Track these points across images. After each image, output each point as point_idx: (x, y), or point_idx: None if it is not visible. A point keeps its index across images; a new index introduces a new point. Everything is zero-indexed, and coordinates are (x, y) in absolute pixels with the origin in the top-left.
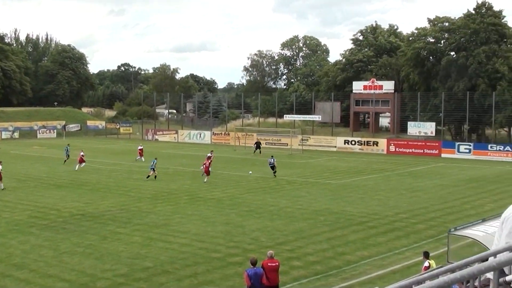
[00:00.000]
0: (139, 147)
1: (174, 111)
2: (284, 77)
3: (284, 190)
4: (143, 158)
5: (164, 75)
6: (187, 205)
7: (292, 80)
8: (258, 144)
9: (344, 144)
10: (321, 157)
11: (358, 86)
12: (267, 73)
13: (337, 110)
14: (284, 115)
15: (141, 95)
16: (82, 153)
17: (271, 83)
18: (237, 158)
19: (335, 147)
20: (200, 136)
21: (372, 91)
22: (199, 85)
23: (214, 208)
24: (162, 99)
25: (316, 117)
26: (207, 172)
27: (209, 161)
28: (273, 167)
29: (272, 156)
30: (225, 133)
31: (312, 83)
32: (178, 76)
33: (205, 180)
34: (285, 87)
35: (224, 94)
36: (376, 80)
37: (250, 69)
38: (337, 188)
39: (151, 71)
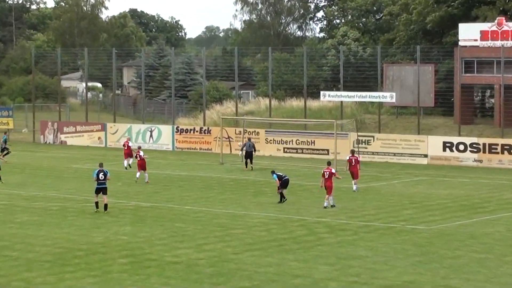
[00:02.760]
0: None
1: (99, 84)
2: (320, 15)
3: (322, 244)
4: (129, 161)
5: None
6: (126, 277)
7: (336, 22)
8: (248, 148)
9: (444, 150)
10: (397, 176)
11: (469, 33)
12: (285, 8)
13: (427, 83)
14: (321, 93)
15: (32, 53)
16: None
17: (294, 28)
18: (227, 180)
19: (426, 156)
20: (150, 135)
21: (498, 43)
22: (148, 33)
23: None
24: (75, 61)
25: (386, 96)
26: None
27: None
28: (284, 184)
29: (273, 171)
30: (202, 129)
31: (376, 29)
32: (105, 15)
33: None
34: (321, 36)
35: (200, 50)
36: (507, 20)
37: (250, 0)
38: (432, 240)
39: (51, 5)
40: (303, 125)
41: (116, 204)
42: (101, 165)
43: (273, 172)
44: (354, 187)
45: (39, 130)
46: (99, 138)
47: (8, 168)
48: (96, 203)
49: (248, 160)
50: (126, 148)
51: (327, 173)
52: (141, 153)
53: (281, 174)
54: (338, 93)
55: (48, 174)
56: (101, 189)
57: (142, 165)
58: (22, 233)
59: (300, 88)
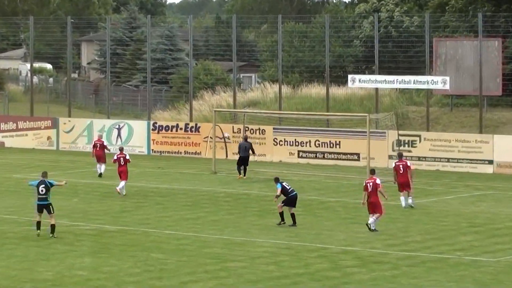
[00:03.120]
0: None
1: (48, 66)
2: None
3: (349, 282)
4: (102, 168)
5: None
6: None
7: None
8: (243, 152)
9: None
10: (452, 190)
11: None
12: None
13: (492, 63)
14: (349, 77)
15: None
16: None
17: None
18: (221, 195)
19: (491, 162)
20: (117, 134)
21: None
22: None
23: None
24: (17, 33)
25: (437, 82)
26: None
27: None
28: (291, 201)
29: (277, 179)
30: (187, 126)
31: None
32: None
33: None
34: (348, 0)
35: (186, 19)
36: None
37: None
38: (499, 277)
39: None
40: (324, 120)
41: (71, 227)
42: (44, 174)
43: (277, 180)
44: (410, 201)
45: None
46: (48, 138)
47: None
48: (38, 223)
49: (243, 167)
50: (97, 148)
51: (371, 184)
52: (127, 156)
53: (287, 186)
54: (372, 77)
55: None
56: (43, 206)
57: (125, 173)
58: None
59: (320, 71)
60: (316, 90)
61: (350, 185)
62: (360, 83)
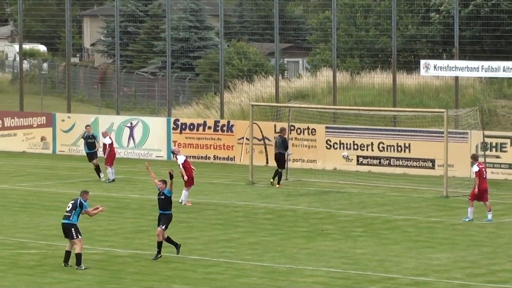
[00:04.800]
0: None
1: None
2: None
3: None
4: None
5: None
6: None
7: None
8: (278, 148)
9: None
10: None
11: None
12: None
13: None
14: (422, 63)
15: None
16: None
17: None
18: (261, 212)
19: None
20: (129, 134)
21: None
22: None
23: None
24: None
25: None
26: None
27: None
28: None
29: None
30: (218, 124)
31: None
32: None
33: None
34: None
35: None
36: None
37: None
38: None
39: None
40: (390, 117)
41: (73, 251)
42: (82, 193)
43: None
44: (489, 216)
45: None
46: (42, 139)
47: None
48: (67, 254)
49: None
50: (110, 149)
51: (484, 169)
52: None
53: None
54: (451, 62)
55: None
56: (64, 227)
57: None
58: None
59: (387, 55)
60: (380, 79)
61: (423, 199)
62: (435, 70)
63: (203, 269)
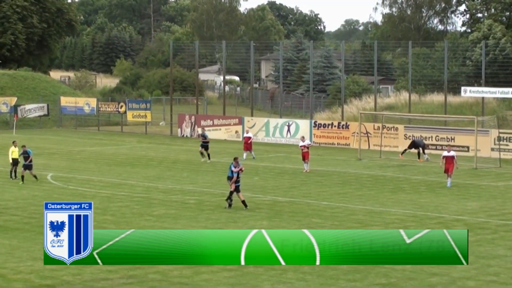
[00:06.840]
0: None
1: (236, 78)
2: (462, 9)
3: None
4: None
5: (215, 4)
6: (261, 271)
7: (478, 16)
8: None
9: None
10: None
11: None
12: (426, 1)
13: None
14: (462, 88)
15: (170, 46)
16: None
17: (435, 22)
18: (364, 176)
19: None
20: (287, 129)
21: None
22: (286, 26)
23: None
24: (213, 54)
25: None
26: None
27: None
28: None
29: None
30: (340, 124)
31: None
32: (243, 7)
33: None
34: (463, 29)
35: (339, 44)
36: None
37: None
38: None
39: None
40: (443, 121)
41: (252, 198)
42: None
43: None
44: (448, 183)
45: (177, 123)
46: (236, 132)
47: (145, 161)
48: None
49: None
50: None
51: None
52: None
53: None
54: (480, 88)
55: (185, 167)
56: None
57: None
58: (159, 226)
59: (440, 84)
60: (436, 98)
61: (461, 170)
62: (470, 93)
63: (330, 210)
